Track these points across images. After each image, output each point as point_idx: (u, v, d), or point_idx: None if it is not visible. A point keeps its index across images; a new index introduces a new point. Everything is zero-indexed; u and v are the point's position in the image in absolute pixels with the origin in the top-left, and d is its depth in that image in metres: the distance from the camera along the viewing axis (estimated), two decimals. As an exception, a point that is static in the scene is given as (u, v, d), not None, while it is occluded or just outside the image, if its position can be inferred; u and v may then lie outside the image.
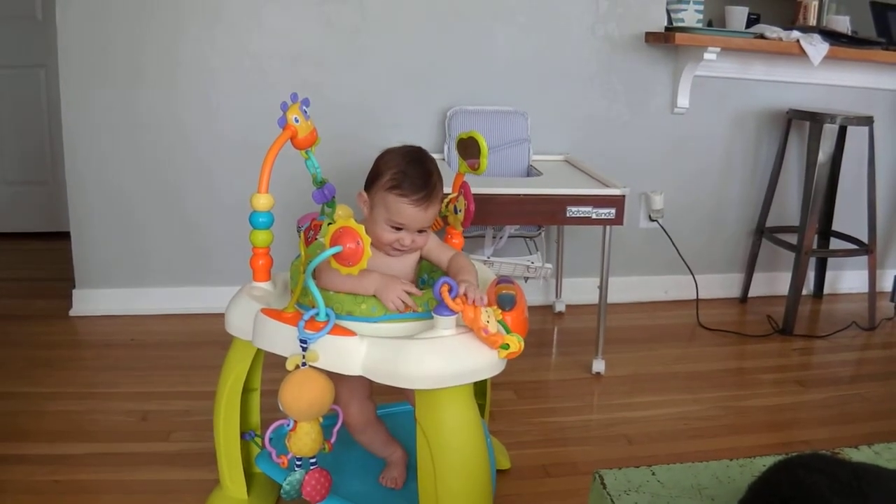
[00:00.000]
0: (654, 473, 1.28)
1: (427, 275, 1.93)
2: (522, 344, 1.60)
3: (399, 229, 1.73)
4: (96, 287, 3.32)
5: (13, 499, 2.02)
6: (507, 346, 1.58)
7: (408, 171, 1.71)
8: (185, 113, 3.20)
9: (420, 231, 1.77)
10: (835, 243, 3.77)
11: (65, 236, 3.38)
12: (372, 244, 1.55)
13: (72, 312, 3.31)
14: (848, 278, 3.98)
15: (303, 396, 1.55)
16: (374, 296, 1.65)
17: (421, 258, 1.88)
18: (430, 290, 1.67)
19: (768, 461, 1.20)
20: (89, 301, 3.31)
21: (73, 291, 3.33)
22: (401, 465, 1.95)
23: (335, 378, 1.60)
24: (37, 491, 2.06)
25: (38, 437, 2.33)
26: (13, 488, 2.07)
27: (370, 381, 1.65)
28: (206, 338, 3.05)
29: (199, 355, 2.93)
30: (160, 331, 3.19)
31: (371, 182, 1.78)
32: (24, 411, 2.48)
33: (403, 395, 2.01)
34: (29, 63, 4.25)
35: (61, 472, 2.15)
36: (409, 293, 1.65)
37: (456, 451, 1.59)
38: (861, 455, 1.35)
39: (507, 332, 1.61)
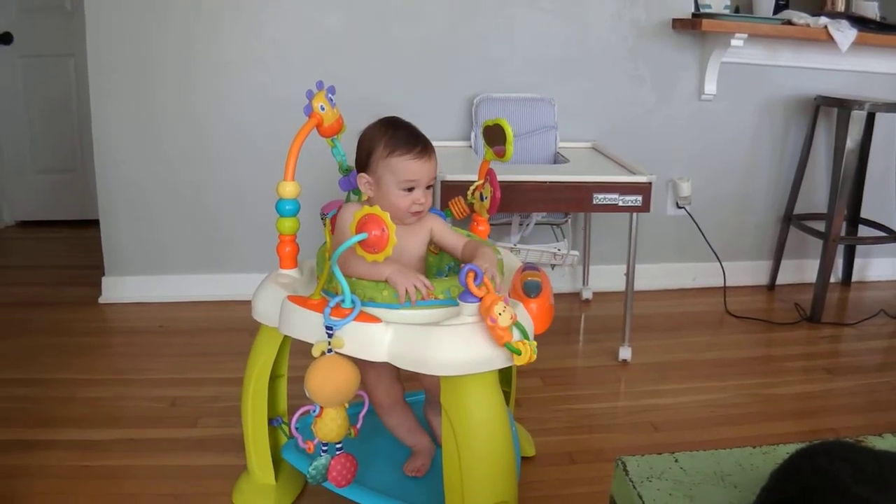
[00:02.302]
0: (676, 460, 1.28)
1: (453, 262, 1.94)
2: (535, 355, 1.55)
3: (411, 190, 1.77)
4: (125, 274, 3.36)
5: (43, 484, 2.05)
6: (518, 352, 1.53)
7: (396, 134, 1.78)
8: (211, 101, 3.22)
9: (427, 188, 1.80)
10: (863, 230, 3.73)
11: (94, 224, 3.43)
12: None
13: (101, 300, 3.35)
14: (876, 266, 3.95)
15: (328, 382, 1.56)
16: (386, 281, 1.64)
17: (433, 243, 1.90)
18: (454, 276, 1.67)
19: (792, 448, 1.19)
20: (118, 288, 3.35)
21: (103, 279, 3.37)
22: (426, 456, 1.96)
23: (363, 360, 1.61)
24: (66, 476, 2.09)
25: (68, 423, 2.36)
26: (43, 473, 2.10)
27: None
28: (235, 324, 3.08)
29: (227, 342, 2.95)
30: (189, 317, 3.22)
31: (365, 161, 1.81)
32: (54, 397, 2.52)
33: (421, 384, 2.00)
34: (58, 52, 4.30)
35: (90, 458, 2.18)
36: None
37: (480, 437, 1.60)
38: (886, 443, 1.34)
39: (526, 338, 1.56)
